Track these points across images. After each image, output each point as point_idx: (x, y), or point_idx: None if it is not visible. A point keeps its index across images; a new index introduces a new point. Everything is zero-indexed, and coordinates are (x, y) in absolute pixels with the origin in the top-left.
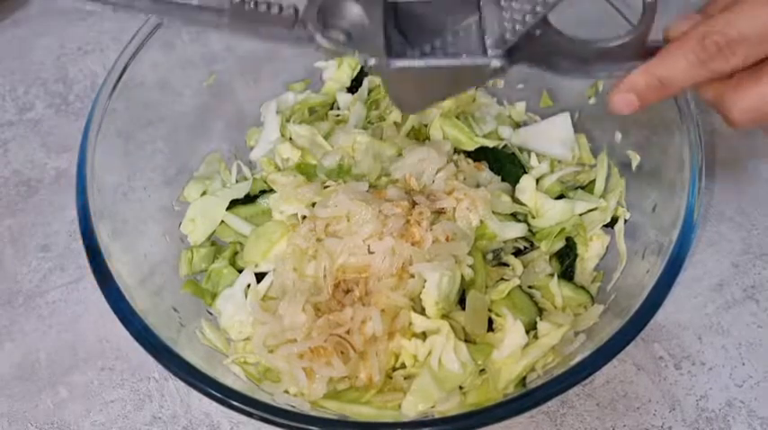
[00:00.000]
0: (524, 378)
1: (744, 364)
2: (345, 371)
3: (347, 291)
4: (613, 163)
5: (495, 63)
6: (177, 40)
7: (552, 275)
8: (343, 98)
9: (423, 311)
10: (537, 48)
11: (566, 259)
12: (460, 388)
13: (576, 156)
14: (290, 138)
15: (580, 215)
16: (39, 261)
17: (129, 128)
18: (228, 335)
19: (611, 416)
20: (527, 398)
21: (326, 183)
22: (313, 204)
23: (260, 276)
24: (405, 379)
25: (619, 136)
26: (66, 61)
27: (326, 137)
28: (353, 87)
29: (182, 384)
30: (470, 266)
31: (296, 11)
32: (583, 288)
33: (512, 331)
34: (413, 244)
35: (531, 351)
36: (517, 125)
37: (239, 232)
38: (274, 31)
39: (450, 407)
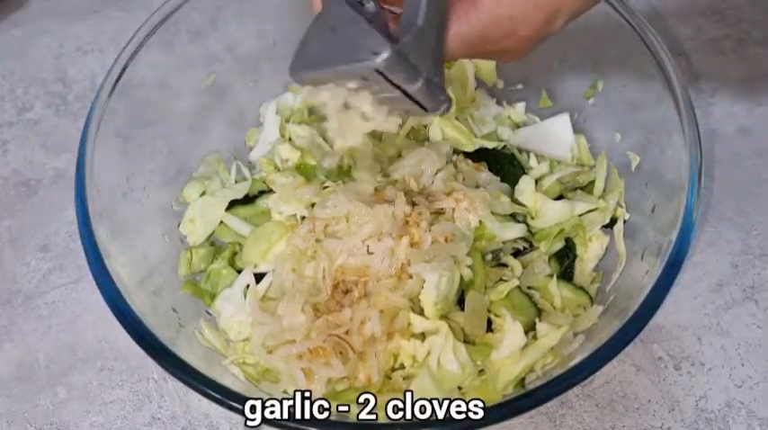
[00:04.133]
0: (523, 378)
1: (743, 365)
2: (344, 372)
3: (346, 292)
4: (613, 163)
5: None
6: (176, 40)
7: (551, 276)
8: None
9: (422, 312)
10: None
11: (565, 260)
12: (459, 388)
13: (576, 156)
14: (290, 139)
15: (579, 216)
16: (38, 261)
17: (128, 128)
18: (227, 335)
19: (610, 417)
20: (526, 399)
21: (326, 184)
22: (312, 205)
23: (259, 277)
24: (404, 379)
25: (618, 137)
26: (66, 61)
27: (326, 137)
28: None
29: (181, 385)
30: (469, 267)
31: None
32: (582, 289)
33: (511, 332)
34: (412, 244)
35: (530, 352)
36: (516, 126)
37: (238, 233)
38: None
39: None
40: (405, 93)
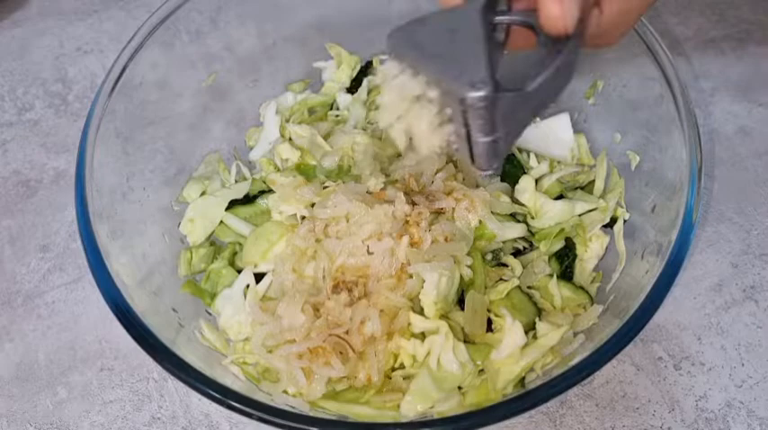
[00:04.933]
0: (523, 378)
1: (743, 365)
2: (344, 372)
3: (349, 291)
4: (613, 163)
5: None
6: (176, 40)
7: (551, 276)
8: (343, 98)
9: (421, 311)
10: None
11: (565, 259)
12: (459, 388)
13: (576, 156)
14: (290, 139)
15: (579, 215)
16: (38, 261)
17: (128, 128)
18: (227, 335)
19: (610, 417)
20: (526, 399)
21: (326, 184)
22: (312, 205)
23: (259, 277)
24: (404, 379)
25: (618, 136)
26: (66, 61)
27: (326, 137)
28: (353, 88)
29: (181, 384)
30: (469, 267)
31: None
32: (582, 288)
33: (511, 331)
34: (412, 244)
35: (530, 351)
36: None
37: (238, 232)
38: None
39: (449, 407)
40: (468, 136)
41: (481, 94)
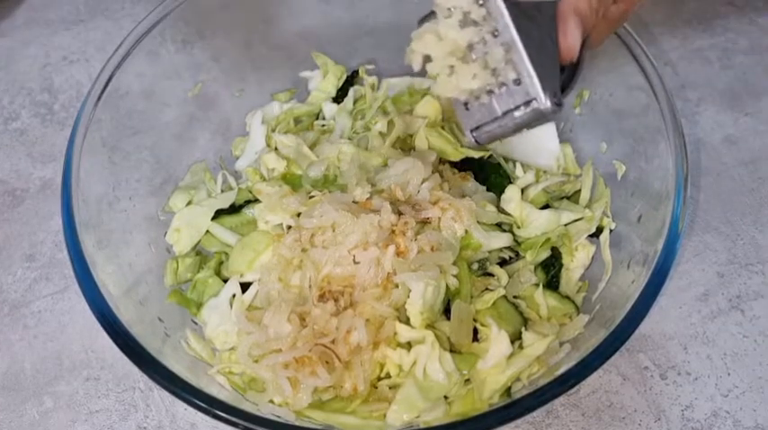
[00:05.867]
0: (509, 388)
1: (729, 374)
2: (330, 381)
3: (335, 301)
4: (599, 173)
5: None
6: (162, 49)
7: (537, 285)
8: (329, 108)
9: (408, 321)
10: None
11: (551, 269)
12: (445, 398)
13: (562, 166)
14: (276, 148)
15: (565, 225)
16: (24, 271)
17: (114, 138)
18: (213, 345)
19: (596, 426)
20: (512, 408)
21: (312, 194)
22: (298, 214)
23: (245, 286)
24: (390, 388)
25: (604, 146)
26: (52, 71)
27: (312, 147)
28: (339, 97)
29: (167, 394)
30: (455, 276)
31: None
32: (568, 298)
33: (497, 341)
34: (398, 254)
35: (517, 361)
36: None
37: (224, 242)
38: None
39: (435, 416)
40: (499, 114)
41: (554, 108)
